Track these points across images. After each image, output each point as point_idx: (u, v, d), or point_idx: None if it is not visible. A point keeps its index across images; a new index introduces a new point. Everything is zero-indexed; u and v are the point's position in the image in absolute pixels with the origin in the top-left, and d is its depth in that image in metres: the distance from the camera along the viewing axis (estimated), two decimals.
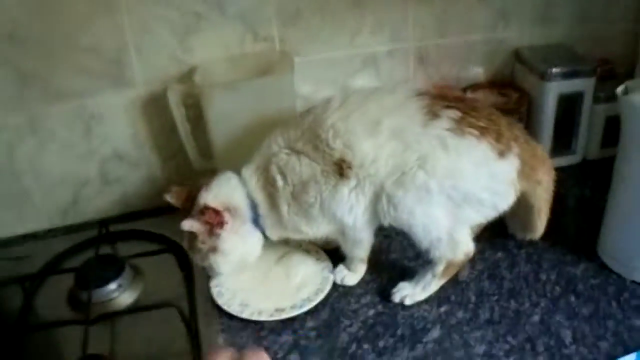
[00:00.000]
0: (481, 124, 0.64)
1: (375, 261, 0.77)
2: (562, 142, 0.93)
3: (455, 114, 0.64)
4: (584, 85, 0.88)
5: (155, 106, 0.85)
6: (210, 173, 0.73)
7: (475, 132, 0.63)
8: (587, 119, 0.91)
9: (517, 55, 0.94)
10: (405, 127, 0.64)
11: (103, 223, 0.84)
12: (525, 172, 0.66)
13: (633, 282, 0.72)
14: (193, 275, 0.76)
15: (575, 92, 0.88)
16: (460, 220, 0.67)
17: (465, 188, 0.64)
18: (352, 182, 0.65)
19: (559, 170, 0.77)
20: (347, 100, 0.67)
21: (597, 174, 0.86)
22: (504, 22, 0.93)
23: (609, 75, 0.94)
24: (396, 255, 0.79)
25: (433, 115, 0.64)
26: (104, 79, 0.82)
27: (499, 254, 0.78)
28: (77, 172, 0.88)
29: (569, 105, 0.90)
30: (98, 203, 0.91)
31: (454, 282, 0.73)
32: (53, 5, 0.76)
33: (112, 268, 0.76)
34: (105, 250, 0.81)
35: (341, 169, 0.65)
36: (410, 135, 0.64)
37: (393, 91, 0.68)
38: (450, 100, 0.66)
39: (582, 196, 0.90)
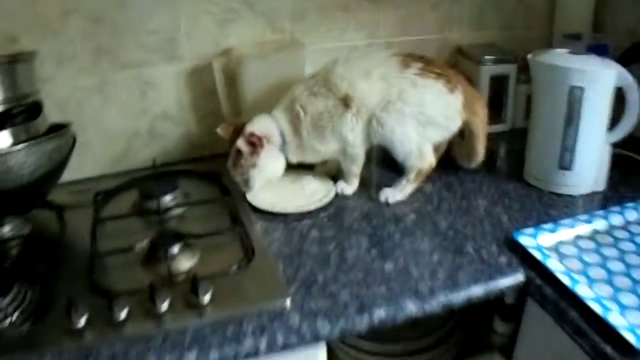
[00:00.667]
0: (437, 71, 0.95)
1: (365, 182, 1.04)
2: (495, 114, 1.24)
3: (420, 65, 0.95)
4: (509, 69, 1.21)
5: (197, 77, 1.12)
6: None
7: (434, 75, 0.95)
8: (512, 96, 1.24)
9: (459, 50, 1.27)
10: (388, 73, 0.95)
11: (153, 166, 1.09)
12: (467, 105, 0.97)
13: (549, 192, 1.01)
14: (231, 193, 1.02)
15: (502, 74, 1.22)
16: (425, 137, 0.96)
17: (428, 113, 0.95)
18: (354, 110, 0.95)
19: (493, 135, 1.09)
20: (349, 58, 0.98)
21: (523, 136, 1.16)
22: (449, 26, 1.26)
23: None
24: (378, 181, 1.06)
25: (406, 65, 0.95)
26: (159, 54, 1.09)
27: (452, 178, 1.07)
28: (131, 127, 1.13)
29: (498, 85, 1.23)
30: (144, 154, 1.15)
31: (421, 193, 1.01)
32: None
33: (168, 185, 1.00)
34: None
35: (346, 101, 0.95)
36: (391, 78, 0.95)
37: (380, 51, 1.00)
38: (417, 58, 0.97)
39: (511, 149, 1.21)
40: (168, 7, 1.06)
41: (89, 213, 0.98)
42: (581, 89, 0.93)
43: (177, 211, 0.96)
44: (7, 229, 0.93)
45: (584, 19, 1.26)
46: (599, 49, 1.10)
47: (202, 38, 1.10)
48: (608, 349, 0.68)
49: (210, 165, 1.12)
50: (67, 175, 1.05)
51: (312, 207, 0.96)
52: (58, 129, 0.97)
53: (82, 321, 0.72)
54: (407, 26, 1.24)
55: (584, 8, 1.26)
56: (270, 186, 1.00)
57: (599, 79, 0.93)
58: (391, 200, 0.98)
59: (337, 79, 0.95)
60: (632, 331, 0.68)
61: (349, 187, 1.02)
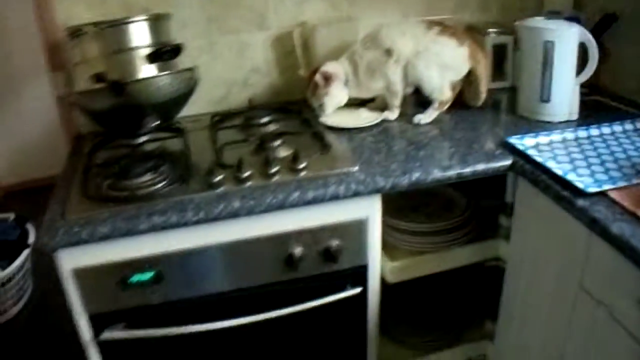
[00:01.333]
0: (451, 31, 1.37)
1: (403, 113, 1.45)
2: (498, 73, 1.65)
3: (439, 28, 1.37)
4: (507, 39, 1.61)
5: (280, 42, 1.54)
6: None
7: (448, 34, 1.37)
8: (511, 60, 1.64)
9: (470, 26, 1.69)
10: (417, 33, 1.37)
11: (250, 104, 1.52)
12: (472, 55, 1.39)
13: (535, 120, 1.40)
14: (309, 117, 1.44)
15: (503, 43, 1.62)
16: (444, 77, 1.38)
17: (445, 59, 1.36)
18: (394, 58, 1.37)
19: (497, 90, 1.51)
20: (390, 25, 1.40)
21: None
22: (461, 9, 1.68)
23: None
24: (412, 112, 1.48)
25: (430, 28, 1.37)
26: (253, 24, 1.52)
27: (464, 113, 1.47)
28: (230, 78, 1.55)
29: (500, 52, 1.63)
30: (239, 98, 1.57)
31: (442, 120, 1.42)
32: None
33: (265, 112, 1.43)
34: None
35: (389, 52, 1.37)
36: (419, 36, 1.37)
37: (412, 21, 1.42)
38: (437, 23, 1.39)
39: (510, 97, 1.59)
40: None
41: (206, 131, 1.40)
42: (552, 42, 1.33)
43: (273, 127, 1.38)
44: (152, 136, 1.35)
45: (566, 0, 1.65)
46: (572, 20, 1.50)
47: (284, 13, 1.53)
48: (566, 194, 1.07)
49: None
50: (182, 111, 1.47)
51: (367, 124, 1.37)
52: None
53: (218, 178, 1.11)
54: (432, 8, 1.65)
55: None
56: (337, 113, 1.42)
57: (564, 34, 1.32)
58: (422, 122, 1.39)
59: (383, 37, 1.38)
60: (582, 182, 1.08)
61: (392, 114, 1.43)
